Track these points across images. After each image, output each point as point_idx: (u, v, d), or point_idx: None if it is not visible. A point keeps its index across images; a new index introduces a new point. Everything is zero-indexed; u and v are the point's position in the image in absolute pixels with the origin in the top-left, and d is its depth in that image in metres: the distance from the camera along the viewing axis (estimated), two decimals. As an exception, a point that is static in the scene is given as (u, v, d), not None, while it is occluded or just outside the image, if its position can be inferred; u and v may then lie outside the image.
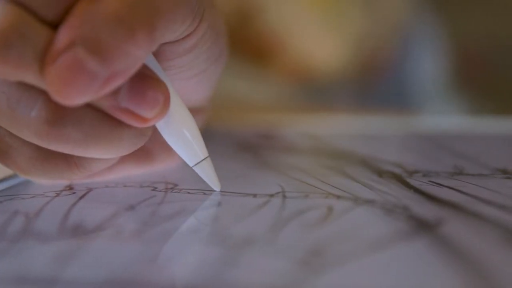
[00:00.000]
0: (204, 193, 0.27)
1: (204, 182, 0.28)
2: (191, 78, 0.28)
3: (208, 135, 0.42)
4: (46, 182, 0.29)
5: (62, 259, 0.20)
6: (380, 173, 0.30)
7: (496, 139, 0.40)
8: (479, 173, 0.30)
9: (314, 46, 0.63)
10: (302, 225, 0.23)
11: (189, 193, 0.27)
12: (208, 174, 0.27)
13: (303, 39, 0.63)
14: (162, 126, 0.26)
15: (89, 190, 0.28)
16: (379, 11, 0.64)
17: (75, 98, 0.22)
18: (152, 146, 0.30)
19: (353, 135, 0.42)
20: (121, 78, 0.22)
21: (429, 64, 0.65)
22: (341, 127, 0.45)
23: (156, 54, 0.26)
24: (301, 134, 0.42)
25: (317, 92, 0.65)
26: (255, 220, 0.24)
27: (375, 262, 0.19)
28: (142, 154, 0.30)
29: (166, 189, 0.28)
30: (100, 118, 0.24)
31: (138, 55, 0.22)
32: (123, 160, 0.30)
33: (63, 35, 0.22)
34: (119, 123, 0.25)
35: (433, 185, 0.28)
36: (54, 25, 0.22)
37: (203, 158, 0.27)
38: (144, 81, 0.24)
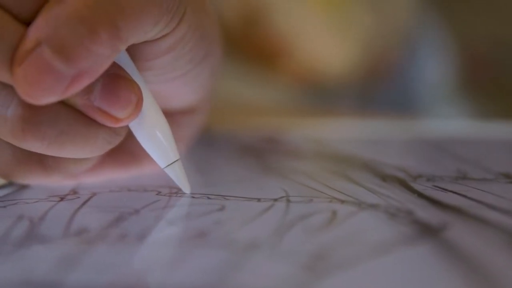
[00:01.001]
0: (209, 198, 0.27)
1: (207, 186, 0.28)
2: (174, 79, 0.28)
3: (212, 138, 0.42)
4: (29, 182, 0.29)
5: (66, 264, 0.20)
6: (384, 177, 0.30)
7: (500, 143, 0.40)
8: (483, 178, 0.30)
9: (320, 49, 0.63)
10: (306, 229, 0.23)
11: (193, 197, 0.27)
12: (178, 176, 0.28)
13: (309, 42, 0.63)
14: (135, 127, 0.26)
15: (93, 194, 0.28)
16: (385, 15, 0.65)
17: (42, 98, 0.22)
18: (137, 148, 0.30)
19: (357, 140, 0.42)
20: (88, 77, 0.22)
21: (434, 68, 0.65)
22: (345, 131, 0.45)
23: (134, 55, 0.26)
24: (305, 139, 0.42)
25: (321, 96, 0.65)
26: (259, 224, 0.24)
27: (379, 266, 0.19)
28: (127, 156, 0.31)
29: (170, 193, 0.28)
30: (75, 117, 0.25)
31: (103, 53, 0.22)
32: (106, 162, 0.30)
33: (30, 36, 0.22)
34: (94, 122, 0.25)
35: (437, 190, 0.28)
36: (28, 23, 0.23)
37: (174, 160, 0.27)
38: (117, 82, 0.25)
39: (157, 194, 0.28)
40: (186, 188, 0.28)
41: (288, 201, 0.26)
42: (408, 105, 0.65)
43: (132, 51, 0.26)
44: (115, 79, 0.25)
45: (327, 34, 0.63)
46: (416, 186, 0.29)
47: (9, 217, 0.25)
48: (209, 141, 0.41)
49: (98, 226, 0.24)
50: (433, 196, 0.27)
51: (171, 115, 0.29)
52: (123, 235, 0.23)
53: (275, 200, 0.27)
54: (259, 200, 0.27)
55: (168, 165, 0.27)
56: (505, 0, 0.66)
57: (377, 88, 0.66)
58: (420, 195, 0.27)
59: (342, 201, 0.26)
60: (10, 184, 0.30)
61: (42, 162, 0.27)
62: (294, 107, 0.63)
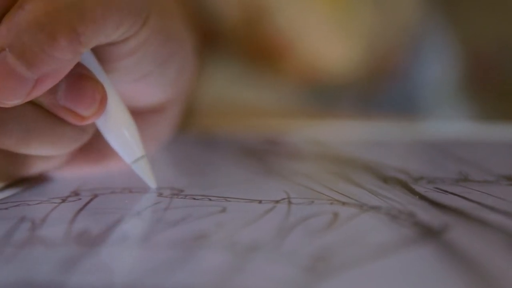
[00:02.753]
0: (210, 199, 0.27)
1: (208, 188, 0.28)
2: (139, 79, 0.29)
3: (213, 140, 0.42)
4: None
5: (67, 265, 0.20)
6: (386, 179, 0.30)
7: (501, 145, 0.40)
8: (484, 180, 0.30)
9: (323, 48, 0.63)
10: (308, 231, 0.23)
11: (194, 199, 0.27)
12: (145, 172, 0.28)
13: (312, 41, 0.63)
14: (101, 125, 0.27)
15: (95, 196, 0.28)
16: (389, 15, 0.64)
17: (7, 101, 0.23)
18: (106, 145, 0.30)
19: (359, 141, 0.42)
20: (51, 80, 0.24)
21: (437, 70, 0.65)
22: (346, 133, 0.45)
23: (99, 56, 0.27)
24: (306, 140, 0.42)
25: (323, 97, 0.65)
26: (260, 226, 0.24)
27: (381, 268, 0.19)
28: (96, 153, 0.31)
29: (172, 194, 0.28)
30: (42, 115, 0.26)
31: (64, 58, 0.23)
32: (76, 159, 0.31)
33: None
34: (61, 120, 0.26)
35: (438, 192, 0.28)
36: None
37: (140, 156, 0.28)
38: (81, 81, 0.25)
39: (158, 196, 0.28)
40: (152, 183, 0.28)
41: (290, 203, 0.26)
42: (410, 106, 0.65)
43: (96, 52, 0.27)
44: (79, 79, 0.25)
45: (330, 34, 0.63)
46: (418, 188, 0.29)
47: (10, 218, 0.25)
48: (210, 143, 0.41)
49: (100, 228, 0.24)
50: (435, 198, 0.27)
51: (141, 114, 0.30)
52: (124, 237, 0.23)
53: (277, 202, 0.27)
54: (260, 202, 0.27)
55: (134, 161, 0.28)
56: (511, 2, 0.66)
57: (380, 89, 0.66)
58: (422, 197, 0.27)
59: (344, 203, 0.26)
60: (11, 186, 0.30)
61: (10, 159, 0.28)
62: (296, 109, 0.63)
